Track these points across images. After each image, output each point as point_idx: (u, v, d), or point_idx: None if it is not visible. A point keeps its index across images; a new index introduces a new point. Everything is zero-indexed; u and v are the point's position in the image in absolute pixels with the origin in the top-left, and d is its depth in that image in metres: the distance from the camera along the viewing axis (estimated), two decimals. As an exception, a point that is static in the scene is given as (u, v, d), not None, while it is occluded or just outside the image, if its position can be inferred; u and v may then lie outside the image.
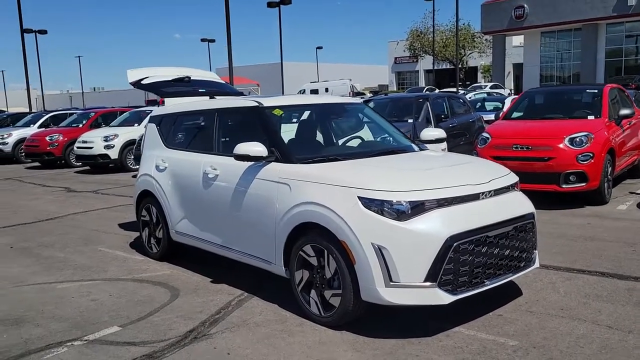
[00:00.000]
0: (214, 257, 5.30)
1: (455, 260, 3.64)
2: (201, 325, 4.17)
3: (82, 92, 72.93)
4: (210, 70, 51.14)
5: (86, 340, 3.99)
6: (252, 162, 4.55)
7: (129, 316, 4.43)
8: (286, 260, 4.30)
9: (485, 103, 18.98)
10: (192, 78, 6.88)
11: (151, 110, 17.13)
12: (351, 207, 3.76)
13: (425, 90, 34.53)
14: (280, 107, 4.94)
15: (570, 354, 3.45)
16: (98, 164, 15.14)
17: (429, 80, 61.32)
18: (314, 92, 42.10)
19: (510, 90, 39.59)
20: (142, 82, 6.60)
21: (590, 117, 8.36)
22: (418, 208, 3.68)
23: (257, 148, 4.41)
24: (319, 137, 5.24)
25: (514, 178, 4.36)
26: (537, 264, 4.32)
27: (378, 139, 5.22)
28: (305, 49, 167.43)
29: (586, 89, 9.27)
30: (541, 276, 4.89)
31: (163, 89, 6.49)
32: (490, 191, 4.00)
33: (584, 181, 7.53)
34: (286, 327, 4.07)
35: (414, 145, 5.13)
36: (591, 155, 7.50)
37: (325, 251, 3.92)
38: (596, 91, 8.91)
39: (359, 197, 3.76)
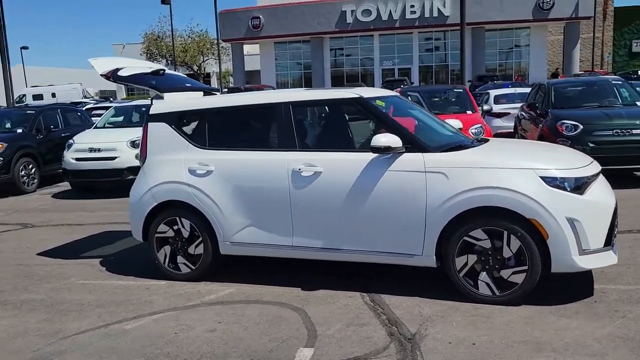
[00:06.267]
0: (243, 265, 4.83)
1: (615, 225, 4.26)
2: (387, 327, 3.91)
3: None
4: None
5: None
6: (377, 155, 4.41)
7: (295, 336, 3.85)
8: (437, 250, 4.31)
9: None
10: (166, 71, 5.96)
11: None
12: (537, 187, 4.05)
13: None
14: (379, 98, 4.82)
15: (698, 287, 4.40)
16: None
17: (161, 86, 59.88)
18: (38, 97, 38.01)
19: None
20: (119, 73, 5.47)
21: (469, 112, 9.87)
22: (586, 183, 4.19)
23: (394, 139, 4.31)
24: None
25: None
26: None
27: (445, 130, 5.46)
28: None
29: (453, 89, 10.84)
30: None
31: (154, 82, 5.49)
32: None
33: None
34: (471, 312, 4.10)
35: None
36: (488, 143, 8.91)
37: (505, 232, 4.11)
38: (461, 90, 10.52)
39: (541, 177, 4.07)
